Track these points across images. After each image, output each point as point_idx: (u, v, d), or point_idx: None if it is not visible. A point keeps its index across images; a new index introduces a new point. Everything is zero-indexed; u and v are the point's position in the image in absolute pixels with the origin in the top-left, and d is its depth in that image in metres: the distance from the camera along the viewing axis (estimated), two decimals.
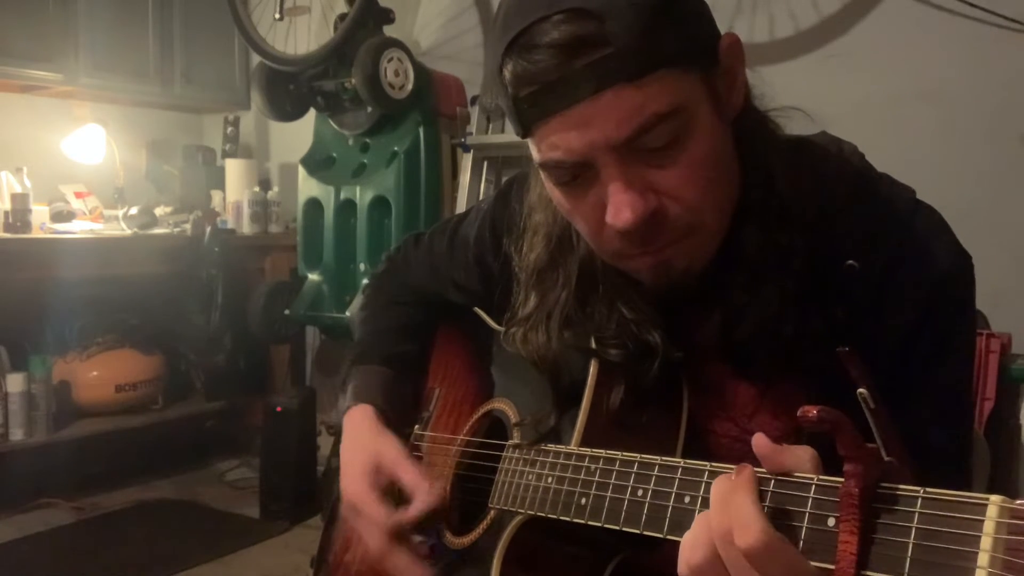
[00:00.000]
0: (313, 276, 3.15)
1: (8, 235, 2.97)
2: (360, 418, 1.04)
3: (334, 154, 3.17)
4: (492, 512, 0.89)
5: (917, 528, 0.51)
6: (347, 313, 2.95)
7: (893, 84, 2.42)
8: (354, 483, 0.98)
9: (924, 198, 0.80)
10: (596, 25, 0.67)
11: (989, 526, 0.48)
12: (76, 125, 3.46)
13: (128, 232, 3.27)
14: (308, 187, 3.15)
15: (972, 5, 2.29)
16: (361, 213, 3.01)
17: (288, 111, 3.12)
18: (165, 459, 3.43)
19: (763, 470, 0.60)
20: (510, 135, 2.82)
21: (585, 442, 0.79)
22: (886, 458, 0.55)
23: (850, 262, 0.75)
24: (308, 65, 2.95)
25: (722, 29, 0.76)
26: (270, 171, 3.93)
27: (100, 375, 3.23)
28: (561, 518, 0.78)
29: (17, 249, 2.96)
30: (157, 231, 3.38)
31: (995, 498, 0.49)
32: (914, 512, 0.52)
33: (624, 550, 0.80)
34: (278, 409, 3.04)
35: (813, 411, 0.54)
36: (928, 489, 0.52)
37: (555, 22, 0.68)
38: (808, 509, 0.57)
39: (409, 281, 1.17)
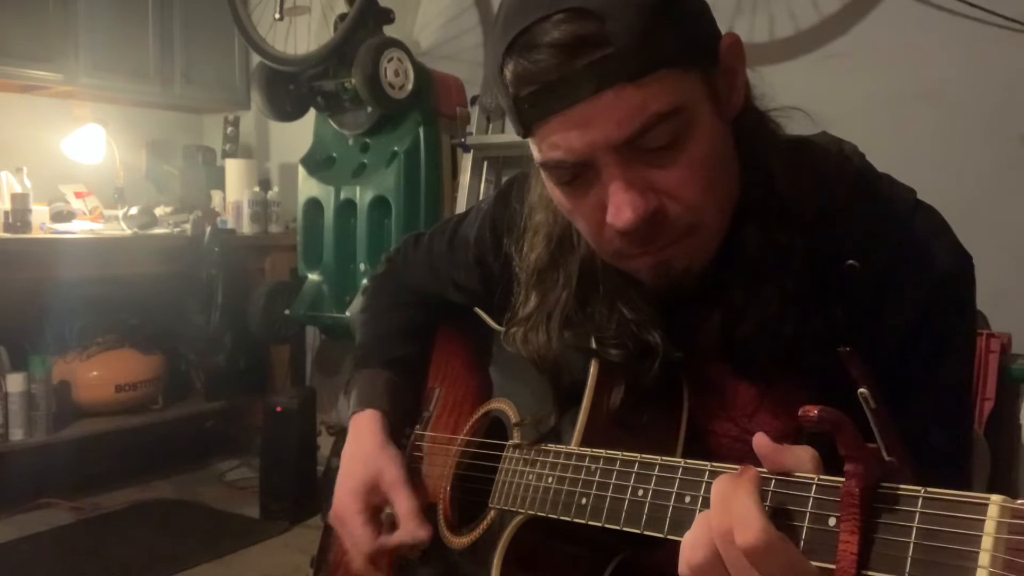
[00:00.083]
0: (313, 276, 3.15)
1: (8, 235, 2.97)
2: (367, 425, 1.04)
3: (334, 154, 3.17)
4: (492, 512, 0.89)
5: (918, 528, 0.51)
6: (347, 313, 2.95)
7: (893, 84, 2.42)
8: (346, 497, 1.00)
9: (924, 198, 0.80)
10: (597, 25, 0.67)
11: (990, 526, 0.48)
12: (76, 125, 3.46)
13: (128, 232, 3.27)
14: (308, 187, 3.16)
15: (972, 5, 2.29)
16: (361, 213, 3.01)
17: (288, 111, 3.12)
18: (165, 459, 3.43)
19: (764, 470, 0.60)
20: (510, 135, 2.83)
21: (585, 442, 0.79)
22: (887, 458, 0.55)
23: (851, 262, 0.75)
24: (308, 65, 2.95)
25: (722, 29, 0.76)
26: (270, 171, 3.93)
27: (100, 375, 3.23)
28: (561, 518, 0.78)
29: (17, 249, 2.96)
30: (157, 231, 3.38)
31: (996, 498, 0.49)
32: (915, 512, 0.52)
33: (624, 550, 0.80)
34: (278, 409, 3.04)
35: (813, 411, 0.54)
36: (929, 489, 0.52)
37: (556, 22, 0.68)
38: (809, 509, 0.57)
39: (409, 282, 1.17)
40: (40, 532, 2.83)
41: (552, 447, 0.82)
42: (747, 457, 0.61)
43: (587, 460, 0.77)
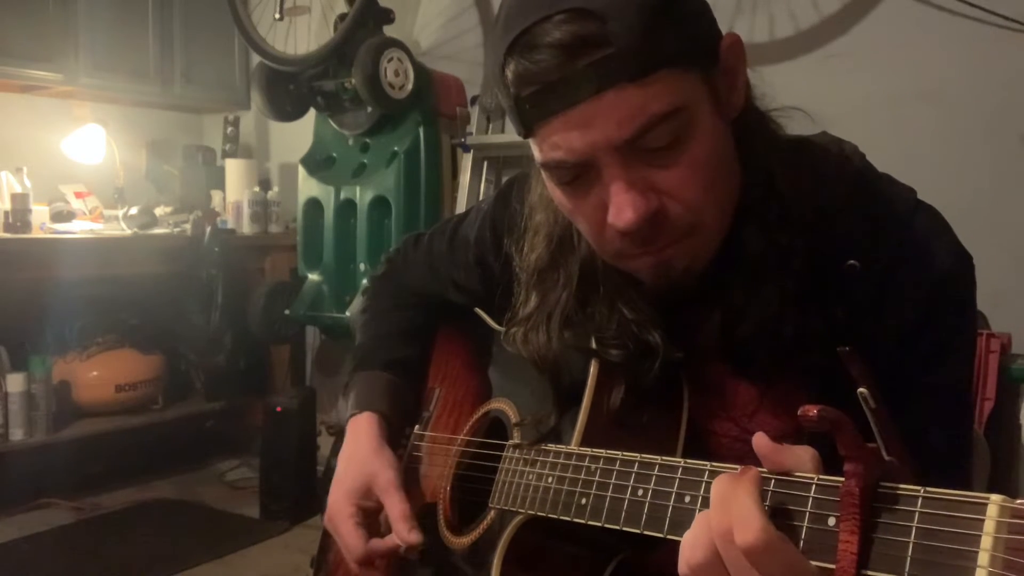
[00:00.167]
0: (313, 276, 3.15)
1: (8, 235, 2.96)
2: (363, 428, 1.04)
3: (334, 154, 3.17)
4: (492, 512, 0.89)
5: (918, 527, 0.51)
6: (347, 313, 2.95)
7: (893, 84, 2.42)
8: (339, 500, 1.00)
9: (924, 198, 0.80)
10: (598, 25, 0.67)
11: (990, 525, 0.48)
12: (76, 125, 3.46)
13: (128, 232, 3.27)
14: (308, 187, 3.16)
15: (972, 5, 2.29)
16: (361, 213, 3.01)
17: (288, 111, 3.12)
18: (165, 459, 3.43)
19: (764, 469, 0.60)
20: (510, 135, 2.83)
21: (585, 442, 0.79)
22: (887, 458, 0.55)
23: (851, 262, 0.75)
24: (308, 65, 2.95)
25: (722, 29, 0.76)
26: (270, 171, 3.93)
27: (100, 375, 3.23)
28: (561, 518, 0.78)
29: (17, 249, 2.96)
30: (157, 231, 3.38)
31: (995, 497, 0.49)
32: (915, 512, 0.52)
33: (624, 550, 0.80)
34: (278, 409, 3.04)
35: (813, 411, 0.54)
36: (928, 488, 0.52)
37: (557, 22, 0.68)
38: (808, 509, 0.57)
39: (409, 282, 1.17)
40: (40, 532, 2.83)
41: (552, 447, 0.82)
42: (747, 457, 0.61)
43: (587, 460, 0.77)
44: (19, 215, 3.00)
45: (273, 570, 2.63)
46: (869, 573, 0.52)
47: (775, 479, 0.59)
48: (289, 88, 3.06)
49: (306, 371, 3.71)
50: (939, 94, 2.36)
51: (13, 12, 3.12)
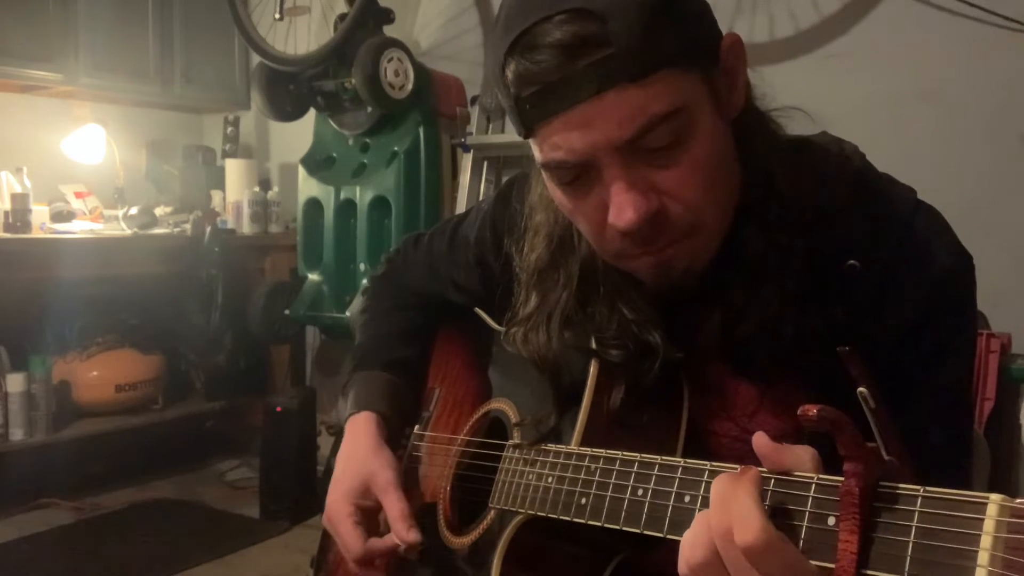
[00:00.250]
0: (313, 276, 3.15)
1: (8, 235, 2.97)
2: (362, 427, 1.04)
3: (334, 154, 3.17)
4: (492, 512, 0.89)
5: (917, 527, 0.51)
6: (347, 313, 2.95)
7: (893, 84, 2.42)
8: (337, 500, 1.00)
9: (924, 198, 0.80)
10: (598, 25, 0.67)
11: (989, 525, 0.48)
12: (76, 125, 3.46)
13: (128, 232, 3.27)
14: (308, 187, 3.16)
15: (972, 5, 2.29)
16: (361, 213, 3.01)
17: (288, 111, 3.12)
18: (165, 459, 3.43)
19: (763, 469, 0.60)
20: (510, 135, 2.83)
21: (585, 442, 0.79)
22: (886, 457, 0.55)
23: (851, 262, 0.75)
24: (308, 65, 2.95)
25: (722, 29, 0.76)
26: (270, 171, 3.93)
27: (100, 375, 3.23)
28: (561, 518, 0.78)
29: (17, 249, 2.96)
30: (157, 231, 3.38)
31: (995, 497, 0.49)
32: (914, 511, 0.52)
33: (624, 550, 0.80)
34: (278, 409, 3.04)
35: (813, 410, 0.54)
36: (928, 488, 0.52)
37: (557, 22, 0.68)
38: (808, 508, 0.57)
39: (409, 283, 1.17)
40: (40, 532, 2.83)
41: (552, 447, 0.82)
42: (747, 457, 0.61)
43: (587, 460, 0.77)
44: (19, 215, 3.00)
45: (273, 570, 2.63)
46: (869, 573, 0.52)
47: (775, 479, 0.59)
48: (289, 88, 3.06)
49: (306, 371, 3.71)
50: (939, 94, 2.36)
51: (13, 12, 3.12)
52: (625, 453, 0.73)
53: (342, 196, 3.06)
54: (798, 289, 0.75)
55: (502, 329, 0.93)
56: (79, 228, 3.23)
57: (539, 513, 0.81)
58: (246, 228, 3.51)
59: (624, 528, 0.71)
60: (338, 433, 1.10)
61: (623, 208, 0.71)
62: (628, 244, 0.74)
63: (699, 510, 0.64)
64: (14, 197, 3.02)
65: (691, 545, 0.60)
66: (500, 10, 0.74)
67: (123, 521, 2.97)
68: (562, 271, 0.86)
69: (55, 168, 3.40)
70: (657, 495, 0.69)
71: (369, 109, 2.94)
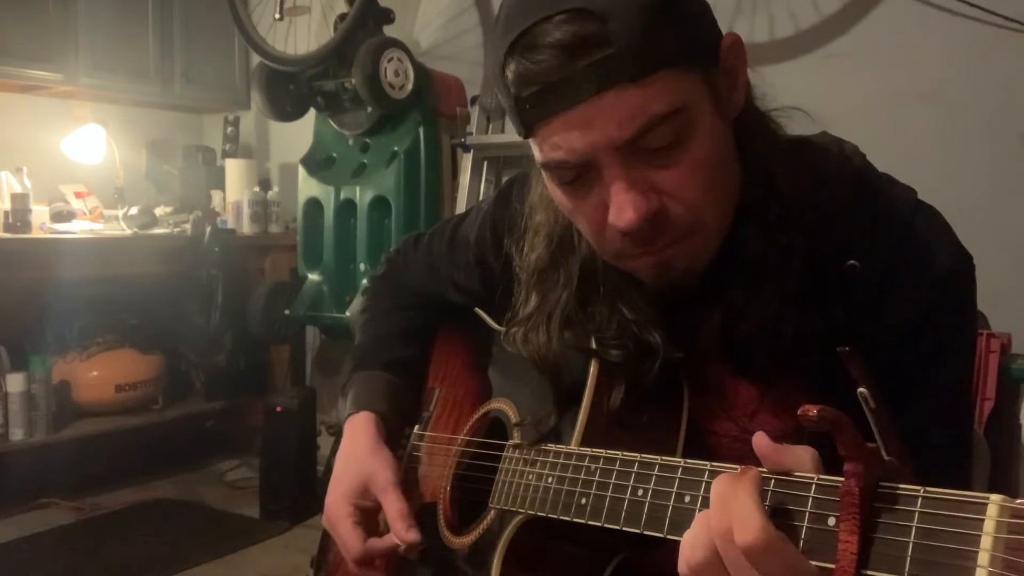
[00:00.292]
0: (313, 276, 3.15)
1: (8, 235, 2.97)
2: (360, 427, 1.04)
3: (334, 154, 3.17)
4: (492, 512, 0.89)
5: (917, 527, 0.51)
6: (347, 313, 2.95)
7: (893, 84, 2.42)
8: (337, 501, 1.00)
9: (924, 198, 0.80)
10: (598, 25, 0.67)
11: (989, 525, 0.48)
12: (76, 125, 3.46)
13: (128, 232, 3.28)
14: (308, 187, 3.16)
15: (972, 5, 2.29)
16: (361, 213, 3.01)
17: (288, 111, 3.12)
18: (165, 459, 3.43)
19: (764, 469, 0.60)
20: (510, 135, 2.83)
21: (585, 442, 0.79)
22: (886, 458, 0.55)
23: (851, 262, 0.75)
24: (308, 65, 2.95)
25: (722, 29, 0.76)
26: (270, 171, 3.93)
27: (100, 375, 3.23)
28: (561, 518, 0.78)
29: (17, 249, 2.96)
30: (157, 231, 3.38)
31: (995, 497, 0.49)
32: (914, 511, 0.52)
33: (624, 550, 0.80)
34: (278, 409, 3.04)
35: (813, 411, 0.54)
36: (928, 488, 0.52)
37: (557, 22, 0.68)
38: (808, 509, 0.57)
39: (409, 283, 1.17)
40: (40, 532, 2.83)
41: (552, 447, 0.82)
42: (747, 457, 0.61)
43: (587, 460, 0.77)
44: (19, 215, 3.00)
45: (273, 570, 2.63)
46: (869, 573, 0.52)
47: (775, 479, 0.59)
48: (289, 88, 3.06)
49: (306, 371, 3.71)
50: (939, 94, 2.36)
51: (13, 12, 3.12)
52: (625, 453, 0.73)
53: (342, 196, 3.06)
54: (798, 289, 0.75)
55: (502, 329, 0.93)
56: (79, 228, 3.23)
57: (539, 513, 0.81)
58: (246, 228, 3.51)
59: (624, 528, 0.71)
60: (338, 433, 1.10)
61: (623, 208, 0.71)
62: (628, 244, 0.74)
63: (699, 510, 0.64)
64: (14, 197, 3.02)
65: (691, 545, 0.60)
66: (500, 10, 0.74)
67: (123, 521, 2.97)
68: (562, 271, 0.86)
69: (55, 168, 3.40)
70: (657, 495, 0.69)
71: (369, 109, 2.94)
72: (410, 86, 2.87)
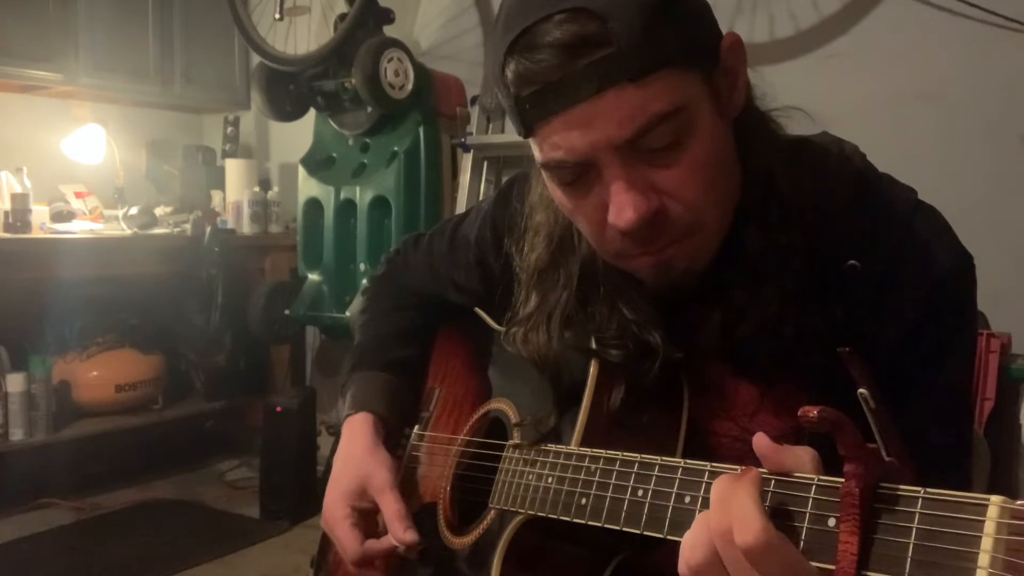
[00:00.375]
0: (313, 276, 3.15)
1: (8, 235, 2.97)
2: (358, 428, 1.04)
3: (334, 154, 3.17)
4: (492, 512, 0.89)
5: (918, 528, 0.51)
6: (347, 313, 2.95)
7: (893, 84, 2.42)
8: (335, 502, 1.00)
9: (924, 198, 0.80)
10: (598, 25, 0.67)
11: (989, 526, 0.48)
12: (76, 125, 3.46)
13: (128, 232, 3.28)
14: (308, 187, 3.16)
15: (972, 5, 2.29)
16: (361, 213, 3.01)
17: (288, 111, 3.12)
18: (165, 459, 3.43)
19: (764, 470, 0.60)
20: (510, 135, 2.83)
21: (585, 442, 0.79)
22: (887, 458, 0.55)
23: (851, 262, 0.75)
24: (308, 65, 2.95)
25: (722, 29, 0.76)
26: (270, 171, 3.93)
27: (100, 375, 3.23)
28: (561, 518, 0.78)
29: (17, 249, 2.96)
30: (157, 231, 3.38)
31: (995, 498, 0.49)
32: (915, 512, 0.52)
33: (624, 550, 0.80)
34: (278, 409, 3.04)
35: (813, 411, 0.54)
36: (928, 489, 0.52)
37: (557, 22, 0.68)
38: (808, 509, 0.57)
39: (409, 283, 1.17)
40: (40, 532, 2.83)
41: (552, 447, 0.82)
42: (747, 457, 0.61)
43: (587, 460, 0.77)
44: (19, 215, 3.00)
45: (273, 570, 2.63)
46: (869, 574, 0.52)
47: (775, 479, 0.59)
48: (289, 88, 3.06)
49: (306, 371, 3.71)
50: (939, 94, 2.36)
51: (13, 12, 3.12)
52: (625, 453, 0.73)
53: (342, 196, 3.06)
54: (798, 289, 0.75)
55: (502, 329, 0.93)
56: (79, 228, 3.23)
57: (539, 513, 0.81)
58: (246, 228, 3.51)
59: (624, 529, 0.71)
60: (337, 433, 1.10)
61: (623, 208, 0.71)
62: (628, 244, 0.74)
63: (699, 511, 0.64)
64: (14, 197, 3.02)
65: (691, 546, 0.60)
66: (500, 10, 0.74)
67: (123, 521, 2.97)
68: (562, 271, 0.86)
69: (55, 168, 3.40)
70: (657, 496, 0.69)
71: (369, 109, 2.94)
72: (410, 86, 2.87)
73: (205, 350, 3.45)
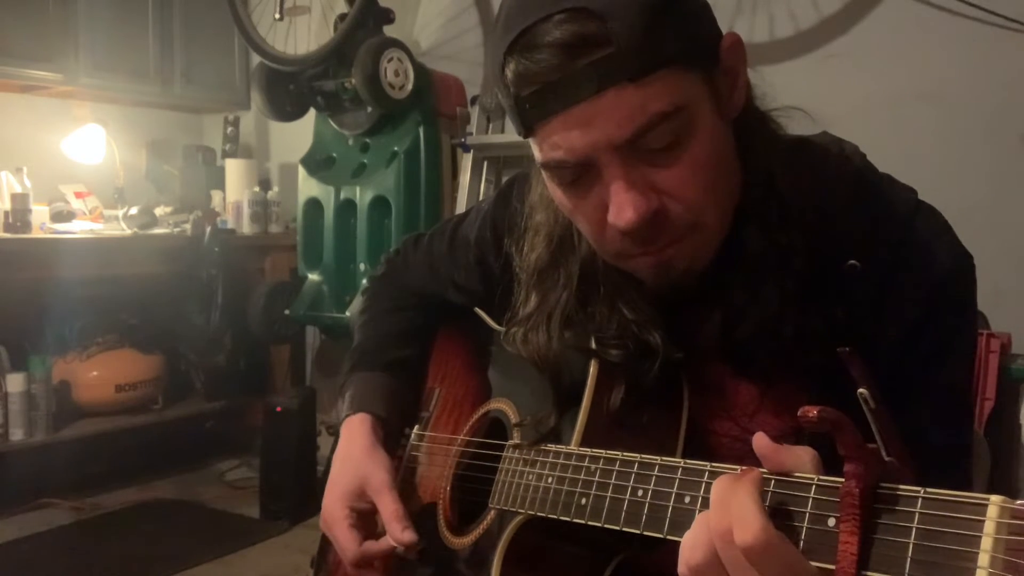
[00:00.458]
0: (313, 276, 3.15)
1: (8, 235, 2.97)
2: (357, 429, 1.04)
3: (334, 154, 3.17)
4: (492, 512, 0.89)
5: (917, 528, 0.51)
6: (347, 313, 2.95)
7: (893, 84, 2.42)
8: (333, 503, 1.00)
9: (924, 198, 0.80)
10: (598, 24, 0.67)
11: (989, 526, 0.48)
12: (76, 125, 3.46)
13: (128, 232, 3.28)
14: (308, 187, 3.16)
15: (972, 5, 2.29)
16: (361, 213, 3.01)
17: (288, 111, 3.12)
18: (165, 459, 3.43)
19: (764, 470, 0.60)
20: (510, 135, 2.83)
21: (585, 442, 0.79)
22: (886, 458, 0.55)
23: (851, 262, 0.75)
24: (308, 65, 2.95)
25: (722, 29, 0.76)
26: (270, 171, 3.93)
27: (100, 375, 3.23)
28: (561, 518, 0.78)
29: (17, 249, 2.96)
30: (157, 231, 3.38)
31: (995, 498, 0.49)
32: (914, 512, 0.52)
33: (624, 550, 0.80)
34: (278, 409, 3.04)
35: (813, 411, 0.54)
36: (928, 489, 0.52)
37: (557, 21, 0.68)
38: (808, 509, 0.57)
39: (409, 283, 1.17)
40: (40, 532, 2.83)
41: (552, 447, 0.82)
42: (747, 457, 0.61)
43: (587, 460, 0.77)
44: (19, 215, 3.00)
45: (273, 570, 2.63)
46: (869, 574, 0.52)
47: (775, 479, 0.59)
48: (289, 88, 3.06)
49: (306, 371, 3.71)
50: (939, 94, 2.36)
51: (13, 12, 3.12)
52: (625, 453, 0.73)
53: (342, 196, 3.06)
54: (798, 289, 0.75)
55: (502, 329, 0.93)
56: (79, 228, 3.23)
57: (539, 513, 0.81)
58: (246, 228, 3.51)
59: (624, 529, 0.71)
60: (336, 434, 1.10)
61: (623, 208, 0.71)
62: (628, 244, 0.74)
63: (699, 511, 0.64)
64: (14, 197, 3.02)
65: (691, 546, 0.60)
66: (500, 10, 0.74)
67: (123, 521, 2.97)
68: (562, 271, 0.86)
69: (55, 168, 3.40)
70: (657, 496, 0.69)
71: (369, 109, 2.94)
72: (410, 86, 2.87)
73: (205, 350, 3.45)
